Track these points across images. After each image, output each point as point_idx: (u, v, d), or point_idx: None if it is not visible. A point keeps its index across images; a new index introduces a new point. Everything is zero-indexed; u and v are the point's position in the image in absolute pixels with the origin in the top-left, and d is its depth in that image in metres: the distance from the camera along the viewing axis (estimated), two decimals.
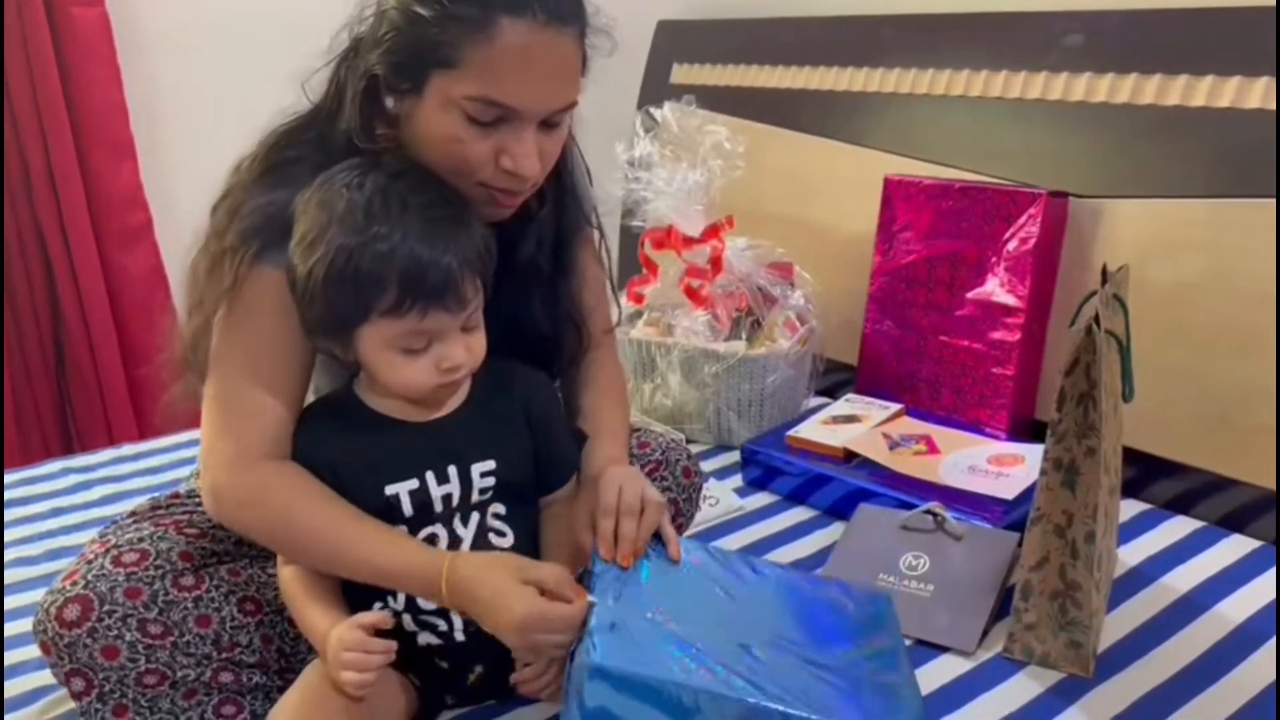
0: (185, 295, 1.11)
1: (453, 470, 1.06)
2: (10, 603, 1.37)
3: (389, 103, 1.04)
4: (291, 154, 1.08)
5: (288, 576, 1.05)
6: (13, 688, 1.20)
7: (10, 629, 1.30)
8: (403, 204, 0.96)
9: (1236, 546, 1.46)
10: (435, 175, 1.03)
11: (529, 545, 1.11)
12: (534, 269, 1.18)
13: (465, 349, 1.01)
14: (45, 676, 1.16)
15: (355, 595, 1.05)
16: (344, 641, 0.97)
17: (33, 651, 1.08)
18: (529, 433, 1.11)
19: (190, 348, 1.08)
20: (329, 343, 1.03)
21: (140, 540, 1.08)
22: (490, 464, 1.07)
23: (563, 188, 1.19)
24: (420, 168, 1.03)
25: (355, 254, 0.95)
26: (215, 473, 1.05)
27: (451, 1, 0.97)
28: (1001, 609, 1.29)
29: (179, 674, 1.05)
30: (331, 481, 1.04)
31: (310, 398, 1.13)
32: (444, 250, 0.96)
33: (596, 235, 1.29)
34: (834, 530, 1.54)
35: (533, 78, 1.00)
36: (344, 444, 1.06)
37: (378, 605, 1.06)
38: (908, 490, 1.53)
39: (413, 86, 1.02)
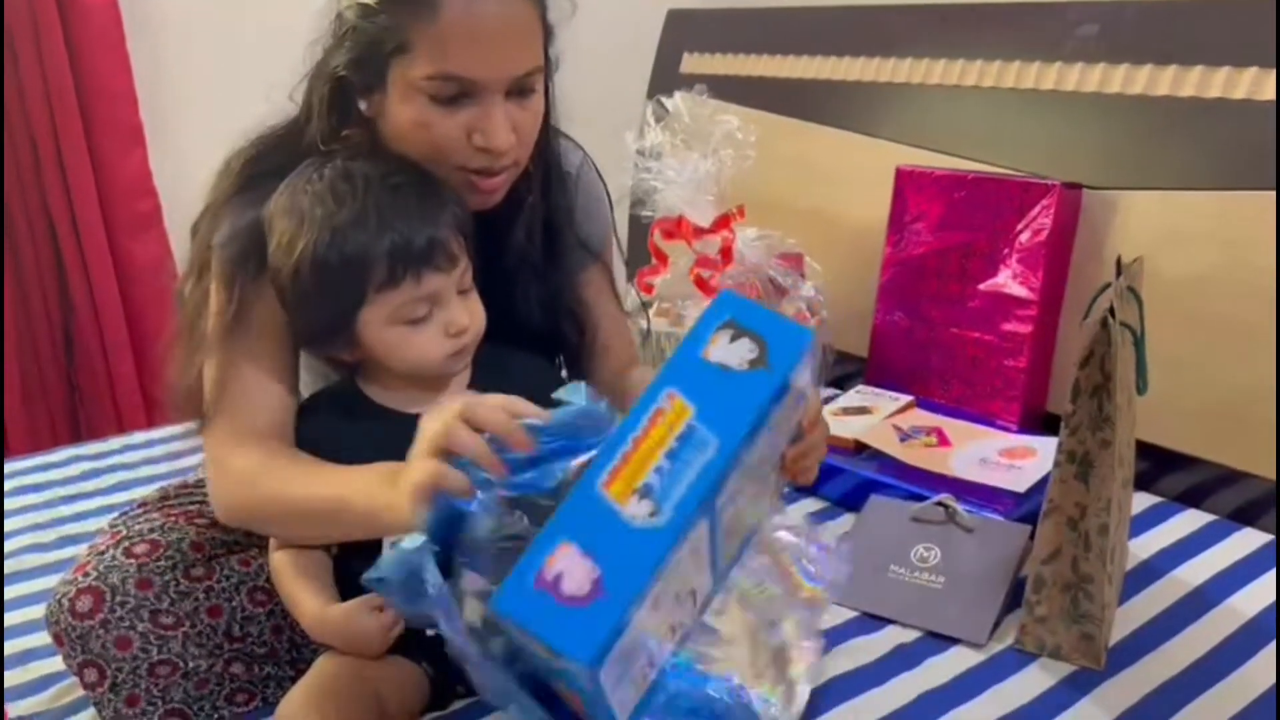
0: (179, 323, 1.11)
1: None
2: (23, 589, 1.38)
3: (362, 106, 1.05)
4: (264, 168, 1.07)
5: (278, 560, 1.04)
6: (25, 674, 1.21)
7: (23, 615, 1.31)
8: (365, 181, 0.97)
9: (1248, 540, 1.45)
10: (392, 156, 1.03)
11: None
12: (525, 259, 1.18)
13: (467, 312, 1.02)
14: (57, 663, 1.16)
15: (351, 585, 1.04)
16: (370, 601, 0.96)
17: (45, 638, 1.09)
18: None
19: (189, 383, 1.08)
20: (330, 341, 1.03)
21: (151, 531, 1.08)
22: None
23: (550, 175, 1.19)
24: (374, 152, 1.03)
25: (336, 237, 0.96)
26: (216, 451, 1.04)
27: None
28: (1013, 601, 1.29)
29: (191, 664, 1.06)
30: None
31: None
32: (419, 212, 0.97)
33: (617, 272, 1.29)
34: (845, 521, 1.53)
35: (484, 46, 0.99)
36: (348, 436, 1.05)
37: None
38: (919, 482, 1.52)
39: (377, 80, 1.02)
